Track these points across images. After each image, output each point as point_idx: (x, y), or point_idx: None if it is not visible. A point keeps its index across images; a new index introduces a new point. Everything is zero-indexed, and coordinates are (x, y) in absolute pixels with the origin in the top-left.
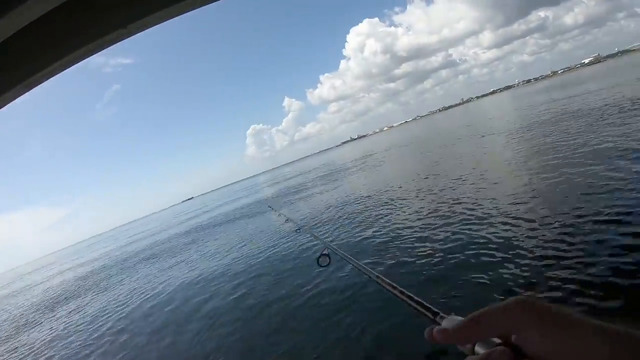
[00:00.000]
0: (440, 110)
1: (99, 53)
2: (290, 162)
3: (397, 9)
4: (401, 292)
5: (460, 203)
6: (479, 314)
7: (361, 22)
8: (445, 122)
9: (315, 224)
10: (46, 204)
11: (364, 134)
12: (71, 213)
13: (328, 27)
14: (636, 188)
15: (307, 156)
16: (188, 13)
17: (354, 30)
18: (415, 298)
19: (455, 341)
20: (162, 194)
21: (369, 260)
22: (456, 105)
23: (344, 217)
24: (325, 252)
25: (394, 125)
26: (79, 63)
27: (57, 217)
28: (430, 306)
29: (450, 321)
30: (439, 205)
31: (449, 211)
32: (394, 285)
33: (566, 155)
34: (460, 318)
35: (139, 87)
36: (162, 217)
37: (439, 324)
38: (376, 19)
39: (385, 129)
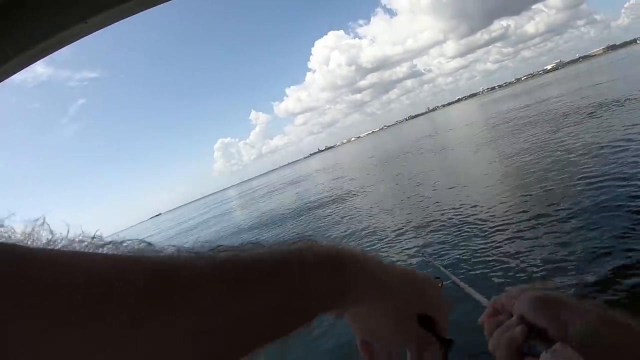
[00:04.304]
0: (407, 120)
1: (64, 66)
2: (259, 176)
3: (361, 22)
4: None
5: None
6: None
7: (326, 34)
8: (411, 130)
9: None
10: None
11: (332, 145)
12: None
13: (293, 40)
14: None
15: (275, 169)
16: (149, 20)
17: (319, 43)
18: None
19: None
20: (130, 209)
21: None
22: (422, 114)
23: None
24: None
25: (361, 135)
26: (43, 77)
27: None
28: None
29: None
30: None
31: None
32: None
33: (534, 157)
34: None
35: (104, 101)
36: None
37: None
38: (341, 31)
39: (352, 139)
